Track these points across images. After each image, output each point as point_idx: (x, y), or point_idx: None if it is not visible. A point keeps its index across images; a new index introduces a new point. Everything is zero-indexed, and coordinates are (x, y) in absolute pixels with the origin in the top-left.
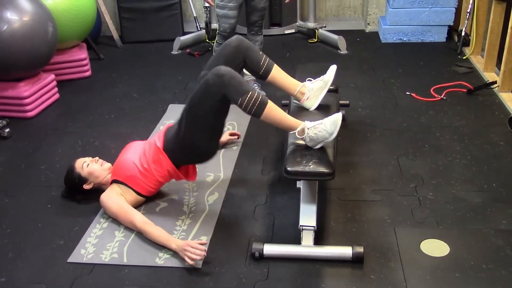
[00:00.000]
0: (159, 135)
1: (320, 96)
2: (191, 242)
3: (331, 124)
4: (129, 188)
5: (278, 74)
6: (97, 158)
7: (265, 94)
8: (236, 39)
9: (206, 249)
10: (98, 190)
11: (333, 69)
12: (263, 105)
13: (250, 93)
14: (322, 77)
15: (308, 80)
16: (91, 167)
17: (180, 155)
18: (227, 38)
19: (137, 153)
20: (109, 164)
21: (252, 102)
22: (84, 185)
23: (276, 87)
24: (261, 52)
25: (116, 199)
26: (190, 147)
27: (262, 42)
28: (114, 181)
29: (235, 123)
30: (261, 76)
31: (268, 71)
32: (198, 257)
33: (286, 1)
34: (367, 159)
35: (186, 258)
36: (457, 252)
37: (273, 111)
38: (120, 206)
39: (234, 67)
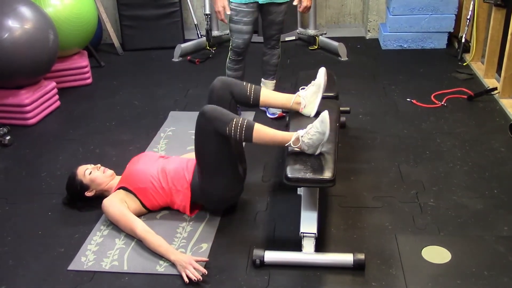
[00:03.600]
0: (188, 165)
1: (316, 101)
2: (194, 263)
3: (320, 124)
4: (137, 198)
5: (267, 95)
6: (99, 165)
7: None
8: (217, 81)
9: (206, 272)
10: (100, 197)
11: (322, 71)
12: (250, 128)
13: (235, 120)
14: (313, 82)
15: (302, 88)
16: (93, 174)
17: (203, 199)
18: (240, 54)
19: (153, 167)
20: (111, 171)
21: (239, 128)
22: (86, 192)
23: (271, 107)
24: (244, 83)
25: (119, 205)
26: (217, 196)
27: (280, 56)
28: (122, 188)
29: None
30: (253, 104)
31: (257, 98)
32: (196, 279)
33: (300, 10)
34: (368, 165)
35: (184, 275)
36: (459, 259)
37: (261, 131)
38: (122, 213)
39: (227, 105)
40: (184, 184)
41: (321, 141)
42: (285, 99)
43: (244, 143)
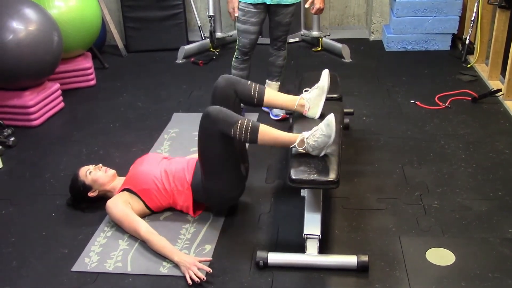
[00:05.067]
0: (188, 165)
1: (320, 104)
2: (198, 263)
3: (326, 127)
4: (141, 200)
5: (272, 96)
6: (100, 165)
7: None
8: (221, 79)
9: (211, 270)
10: (104, 197)
11: (325, 73)
12: (255, 129)
13: (240, 122)
14: (316, 84)
15: (305, 90)
16: (94, 174)
17: (205, 199)
18: (246, 54)
19: (157, 169)
20: (113, 171)
21: (244, 129)
22: (89, 193)
23: (275, 107)
24: (249, 82)
25: (122, 206)
26: (217, 193)
27: (285, 58)
28: (126, 189)
29: None
30: (257, 104)
31: (261, 97)
32: (198, 280)
33: (312, 12)
34: (371, 167)
35: (187, 276)
36: (463, 261)
37: (267, 133)
38: (126, 214)
39: (231, 105)
40: (185, 185)
41: (326, 143)
42: (289, 100)
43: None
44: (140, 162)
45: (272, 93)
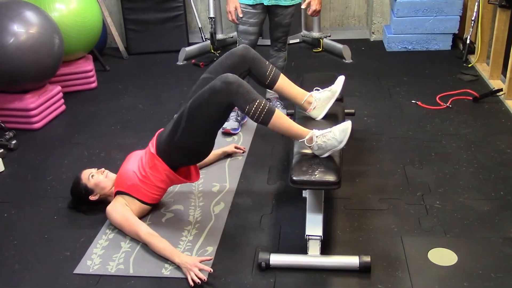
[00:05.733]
0: (152, 141)
1: (327, 106)
2: (199, 264)
3: (340, 132)
4: (133, 197)
5: (284, 83)
6: (103, 169)
7: (286, 112)
8: (242, 48)
9: (212, 270)
10: (104, 201)
11: (341, 79)
12: (270, 113)
13: (258, 101)
14: (330, 87)
15: (316, 89)
16: (96, 178)
17: (176, 157)
18: None
19: (135, 162)
20: (114, 175)
21: (260, 110)
22: (90, 196)
23: (282, 96)
24: (267, 62)
25: (121, 210)
26: (187, 149)
27: (286, 59)
28: (118, 193)
29: (241, 134)
30: (268, 85)
31: (274, 80)
32: (199, 282)
33: (308, 13)
34: (373, 168)
35: (189, 277)
36: (465, 261)
37: (280, 119)
38: (125, 218)
39: (237, 75)
40: (153, 158)
41: (334, 148)
42: (299, 93)
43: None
44: (124, 162)
45: (285, 80)
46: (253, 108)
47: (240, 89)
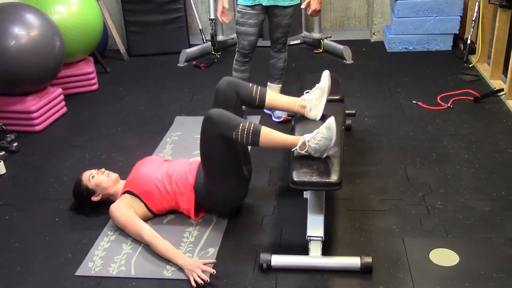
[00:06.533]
0: (191, 168)
1: (321, 105)
2: (202, 266)
3: (327, 130)
4: (142, 202)
5: (273, 98)
6: (103, 169)
7: (287, 114)
8: (223, 81)
9: (214, 272)
10: (107, 201)
11: (325, 74)
12: (257, 132)
13: (241, 124)
14: (317, 85)
15: (306, 92)
16: (97, 178)
17: (208, 202)
18: (246, 55)
19: (158, 171)
20: (115, 175)
21: (245, 133)
22: (92, 197)
23: (276, 109)
24: (250, 84)
25: (126, 210)
26: (222, 199)
27: (286, 60)
28: (128, 192)
29: None
30: (258, 106)
31: (262, 99)
32: (202, 282)
33: (308, 13)
34: (374, 168)
35: (191, 279)
36: (467, 261)
37: (268, 135)
38: (129, 218)
39: (233, 107)
40: (188, 187)
41: (328, 146)
42: (290, 102)
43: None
44: (141, 165)
45: (273, 95)
46: (239, 133)
47: (221, 118)
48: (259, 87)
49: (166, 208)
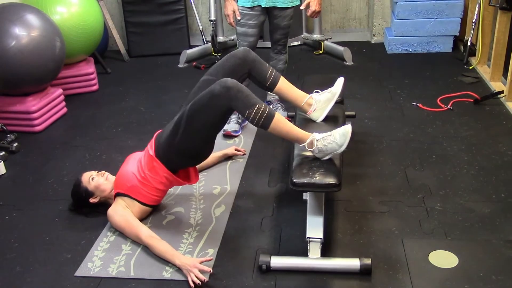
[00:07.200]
0: (150, 142)
1: (327, 108)
2: (199, 265)
3: (340, 136)
4: (133, 199)
5: (284, 85)
6: (103, 171)
7: (287, 114)
8: (243, 50)
9: (211, 270)
10: (104, 203)
11: (340, 81)
12: (270, 117)
13: (258, 105)
14: (329, 89)
15: (316, 91)
16: (97, 181)
17: (175, 159)
18: None
19: (135, 163)
20: (114, 178)
21: (259, 114)
22: (90, 199)
23: (283, 98)
24: (267, 65)
25: (122, 212)
26: (186, 151)
27: (286, 61)
28: (118, 194)
29: (242, 136)
30: (268, 87)
31: (274, 82)
32: (199, 282)
33: (308, 14)
34: (374, 170)
35: (189, 279)
36: (466, 263)
37: (280, 123)
38: (126, 220)
39: (237, 77)
40: (152, 160)
41: (335, 151)
42: (299, 96)
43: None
44: (123, 164)
45: (285, 83)
46: (253, 113)
47: (239, 94)
48: (275, 71)
49: (156, 195)
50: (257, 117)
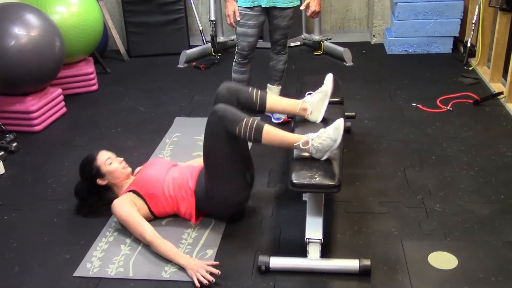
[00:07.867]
0: (192, 173)
1: (322, 108)
2: (206, 266)
3: (334, 131)
4: (145, 204)
5: (273, 100)
6: (122, 159)
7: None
8: (223, 87)
9: (219, 272)
10: (110, 189)
11: (329, 78)
12: (260, 129)
13: (245, 120)
14: (320, 88)
15: (308, 94)
16: (113, 165)
17: (208, 206)
18: (246, 57)
19: (164, 174)
20: (130, 169)
21: (248, 128)
22: (98, 179)
23: (278, 112)
24: (250, 89)
25: (129, 207)
26: (223, 202)
27: (286, 62)
28: (133, 191)
29: None
30: (259, 110)
31: (263, 104)
32: (207, 282)
33: (307, 14)
34: (373, 171)
35: (195, 279)
36: (466, 264)
37: (271, 132)
38: (133, 216)
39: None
40: (188, 191)
41: (331, 147)
42: (291, 104)
43: (250, 145)
44: (149, 166)
45: (274, 98)
46: (243, 128)
47: (226, 113)
48: (259, 91)
49: (167, 211)
50: (247, 131)
